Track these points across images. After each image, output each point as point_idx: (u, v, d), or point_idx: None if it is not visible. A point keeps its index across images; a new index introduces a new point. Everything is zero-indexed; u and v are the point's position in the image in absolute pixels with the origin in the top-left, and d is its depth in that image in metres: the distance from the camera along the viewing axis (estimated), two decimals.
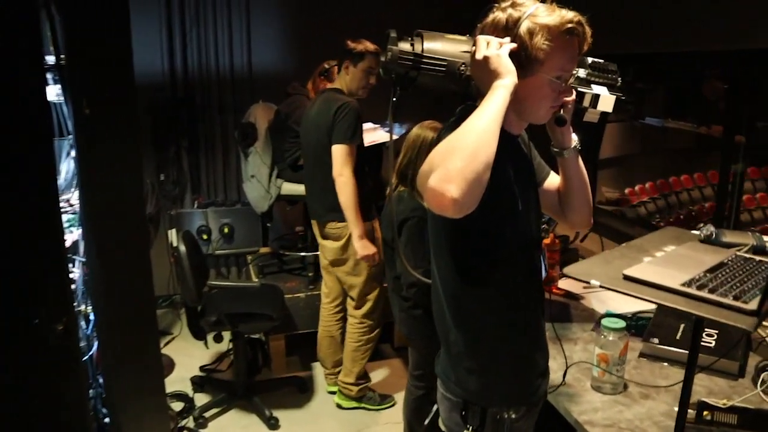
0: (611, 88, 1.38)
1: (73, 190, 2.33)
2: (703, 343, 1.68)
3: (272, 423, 3.09)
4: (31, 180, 1.59)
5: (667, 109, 3.26)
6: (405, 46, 1.30)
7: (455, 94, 1.36)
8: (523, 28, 1.22)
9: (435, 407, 1.57)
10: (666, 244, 1.46)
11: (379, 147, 3.43)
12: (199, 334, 3.13)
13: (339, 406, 3.28)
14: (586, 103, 1.36)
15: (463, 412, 1.42)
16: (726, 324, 1.09)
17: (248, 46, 4.26)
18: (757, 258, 1.37)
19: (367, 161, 3.04)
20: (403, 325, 2.52)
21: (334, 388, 3.33)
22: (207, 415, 3.15)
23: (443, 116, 1.54)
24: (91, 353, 2.22)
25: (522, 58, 1.22)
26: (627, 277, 1.24)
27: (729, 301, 1.12)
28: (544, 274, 2.23)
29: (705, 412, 1.60)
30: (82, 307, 2.23)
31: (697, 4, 2.66)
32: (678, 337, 1.97)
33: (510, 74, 1.18)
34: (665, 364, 1.94)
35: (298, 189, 3.50)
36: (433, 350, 1.55)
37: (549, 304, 1.51)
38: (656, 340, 1.97)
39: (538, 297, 1.47)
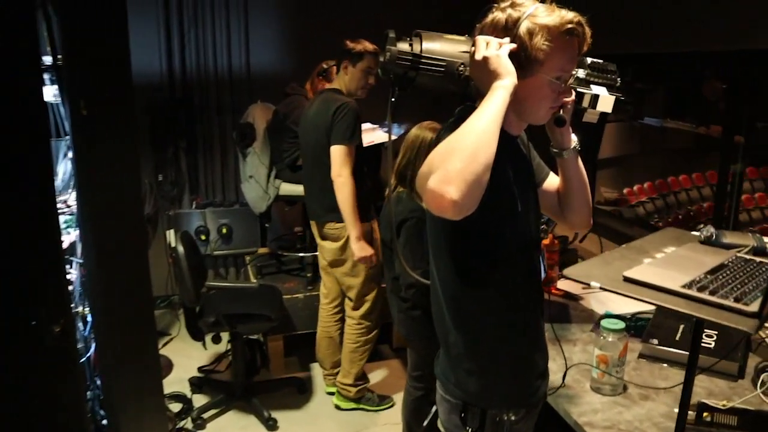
0: (610, 89, 1.37)
1: (70, 191, 2.32)
2: (702, 344, 1.68)
3: (271, 424, 3.08)
4: (28, 181, 1.59)
5: (666, 109, 3.26)
6: (404, 46, 1.30)
7: (454, 94, 1.35)
8: (523, 28, 1.21)
9: (434, 408, 1.56)
10: (666, 245, 1.46)
11: (378, 147, 3.43)
12: (197, 334, 3.12)
13: (337, 407, 3.27)
14: (586, 103, 1.35)
15: (463, 414, 1.41)
16: (726, 326, 1.09)
17: (246, 46, 4.26)
18: (758, 259, 1.36)
19: (365, 161, 3.04)
20: (401, 325, 2.51)
21: (333, 389, 3.32)
22: (205, 416, 3.14)
23: (442, 117, 1.54)
24: (88, 355, 2.21)
25: (521, 58, 1.21)
26: (627, 279, 1.23)
27: (730, 303, 1.11)
28: (543, 274, 2.22)
29: (705, 414, 1.60)
30: (80, 309, 2.22)
31: (697, 4, 2.66)
32: (677, 338, 1.97)
33: (510, 75, 1.17)
34: (665, 365, 1.93)
35: (297, 189, 3.49)
36: (432, 351, 1.54)
37: (548, 305, 1.51)
38: (655, 341, 1.96)
39: (537, 298, 1.46)
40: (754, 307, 1.09)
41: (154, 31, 4.04)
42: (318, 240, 3.12)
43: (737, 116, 2.62)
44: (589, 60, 1.36)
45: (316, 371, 3.57)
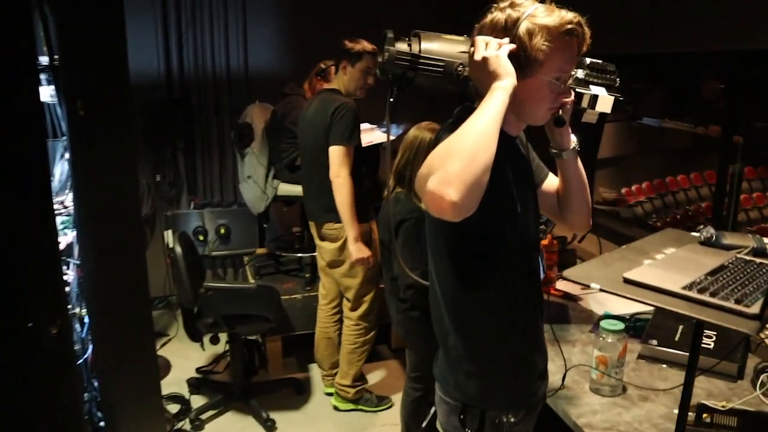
0: (609, 89, 1.36)
1: (67, 191, 2.31)
2: (701, 345, 1.67)
3: (269, 425, 3.07)
4: (25, 182, 1.58)
5: (664, 109, 3.26)
6: (402, 46, 1.29)
7: (452, 94, 1.35)
8: (523, 28, 1.20)
9: (433, 409, 1.56)
10: (666, 246, 1.45)
11: (377, 147, 3.42)
12: (195, 335, 3.12)
13: (336, 408, 3.26)
14: (585, 103, 1.35)
15: (462, 416, 1.41)
16: (727, 328, 1.08)
17: (244, 46, 4.25)
18: (758, 260, 1.36)
19: (364, 162, 3.03)
20: (400, 326, 2.50)
21: (332, 390, 3.32)
22: (203, 417, 3.13)
23: (441, 117, 1.53)
24: (86, 356, 2.20)
25: (521, 59, 1.21)
26: (627, 281, 1.22)
27: (731, 304, 1.11)
28: (542, 275, 2.22)
29: (704, 415, 1.60)
30: (77, 310, 2.21)
31: (697, 5, 2.65)
32: (677, 339, 1.97)
33: (509, 76, 1.16)
34: (664, 365, 1.93)
35: (295, 190, 3.48)
36: (431, 352, 1.53)
37: (547, 306, 1.50)
38: (655, 342, 1.96)
39: (536, 299, 1.46)
40: (755, 309, 1.09)
41: (151, 31, 4.03)
42: (317, 240, 3.11)
43: (736, 116, 2.61)
44: (588, 60, 1.36)
45: (315, 372, 3.56)
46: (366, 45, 2.85)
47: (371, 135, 3.39)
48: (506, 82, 1.16)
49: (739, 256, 1.39)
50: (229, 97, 4.26)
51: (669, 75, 3.07)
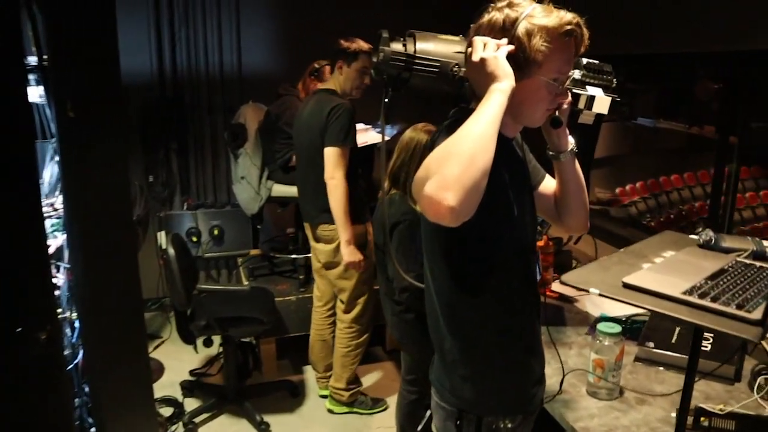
0: (606, 90, 1.35)
1: (57, 194, 2.27)
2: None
3: (263, 428, 3.05)
4: (13, 184, 1.56)
5: (659, 110, 3.25)
6: (397, 46, 1.27)
7: (448, 95, 1.33)
8: (521, 29, 1.18)
9: (428, 412, 1.54)
10: (664, 250, 1.44)
11: (372, 148, 3.40)
12: (188, 338, 3.09)
13: (331, 412, 3.24)
14: (582, 104, 1.33)
15: (458, 422, 1.39)
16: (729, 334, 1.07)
17: (238, 45, 4.22)
18: (758, 264, 1.34)
19: (360, 163, 3.01)
20: (395, 329, 2.48)
21: (326, 392, 3.29)
22: (197, 420, 3.10)
23: (436, 118, 1.51)
24: (76, 361, 2.17)
25: (520, 60, 1.19)
26: (626, 285, 1.21)
27: (732, 310, 1.09)
28: (538, 277, 2.20)
29: (702, 418, 1.59)
30: (67, 314, 2.18)
31: (697, 5, 2.64)
32: (673, 341, 1.96)
33: (507, 77, 1.14)
34: (661, 368, 1.92)
35: (289, 191, 3.46)
36: (426, 354, 1.52)
37: (543, 308, 1.48)
38: (652, 344, 1.95)
39: (533, 302, 1.44)
40: (757, 314, 1.07)
41: (144, 30, 3.99)
42: (311, 242, 3.09)
43: (733, 116, 2.60)
44: (584, 61, 1.34)
45: (309, 374, 3.54)
46: (362, 44, 2.83)
47: (366, 135, 3.38)
48: (504, 84, 1.14)
49: (738, 259, 1.37)
50: (223, 97, 4.23)
51: (667, 75, 3.06)
